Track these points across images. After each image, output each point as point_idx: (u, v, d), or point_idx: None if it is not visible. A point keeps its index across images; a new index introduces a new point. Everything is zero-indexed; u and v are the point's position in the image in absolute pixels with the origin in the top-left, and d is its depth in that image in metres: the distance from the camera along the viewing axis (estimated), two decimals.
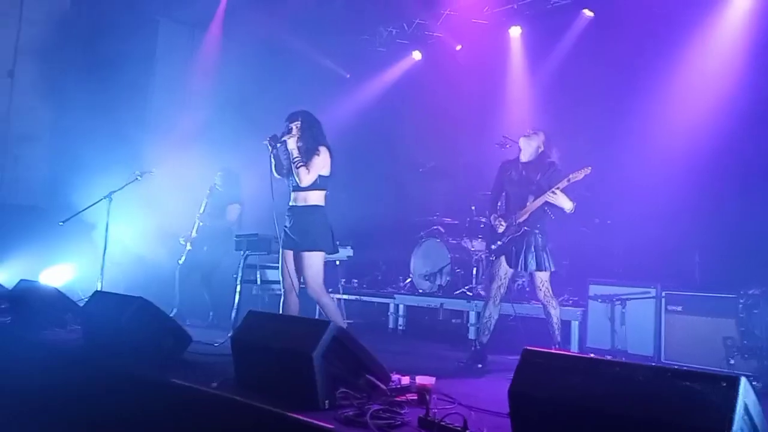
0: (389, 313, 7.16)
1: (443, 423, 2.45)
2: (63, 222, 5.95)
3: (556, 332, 4.61)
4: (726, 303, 4.61)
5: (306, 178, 4.34)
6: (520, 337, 5.01)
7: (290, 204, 4.54)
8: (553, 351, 2.21)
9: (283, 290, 4.48)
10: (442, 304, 6.57)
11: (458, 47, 8.51)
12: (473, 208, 6.90)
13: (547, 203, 4.46)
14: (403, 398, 2.94)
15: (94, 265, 5.96)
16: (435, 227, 7.24)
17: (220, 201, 6.54)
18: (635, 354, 5.05)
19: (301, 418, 2.58)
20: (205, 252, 6.47)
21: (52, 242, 6.68)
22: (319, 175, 4.41)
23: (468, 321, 6.49)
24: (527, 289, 6.41)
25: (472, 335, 6.37)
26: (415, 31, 8.71)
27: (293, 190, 4.51)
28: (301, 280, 4.45)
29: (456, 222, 7.23)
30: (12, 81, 7.24)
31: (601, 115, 6.49)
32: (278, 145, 4.45)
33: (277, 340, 3.04)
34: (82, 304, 4.80)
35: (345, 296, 7.50)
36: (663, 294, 5.03)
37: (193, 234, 6.52)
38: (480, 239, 6.69)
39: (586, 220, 6.36)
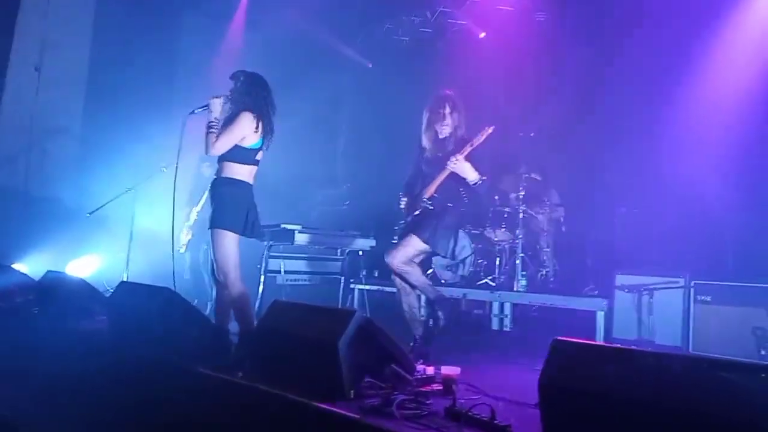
0: None
1: (471, 413, 2.42)
2: (90, 213, 6.03)
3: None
4: (757, 292, 4.48)
5: (212, 147, 3.69)
6: (544, 328, 4.95)
7: None
8: (584, 341, 2.16)
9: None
10: (464, 295, 6.52)
11: (482, 35, 8.41)
12: (496, 198, 6.83)
13: (455, 176, 3.94)
14: (428, 388, 2.92)
15: (120, 256, 6.02)
16: None
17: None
18: (662, 345, 4.95)
19: (326, 407, 2.56)
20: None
21: (78, 234, 6.77)
22: (237, 146, 3.73)
23: (491, 311, 6.44)
24: (551, 279, 6.34)
25: (495, 326, 6.33)
26: (439, 19, 8.62)
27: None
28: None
29: (479, 212, 7.15)
30: (39, 75, 7.32)
31: (631, 102, 6.35)
32: (197, 111, 3.88)
33: (301, 328, 3.04)
34: (108, 295, 4.85)
35: (367, 287, 7.49)
36: (692, 283, 4.92)
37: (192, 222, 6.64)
38: (503, 229, 6.62)
39: (612, 210, 6.26)
